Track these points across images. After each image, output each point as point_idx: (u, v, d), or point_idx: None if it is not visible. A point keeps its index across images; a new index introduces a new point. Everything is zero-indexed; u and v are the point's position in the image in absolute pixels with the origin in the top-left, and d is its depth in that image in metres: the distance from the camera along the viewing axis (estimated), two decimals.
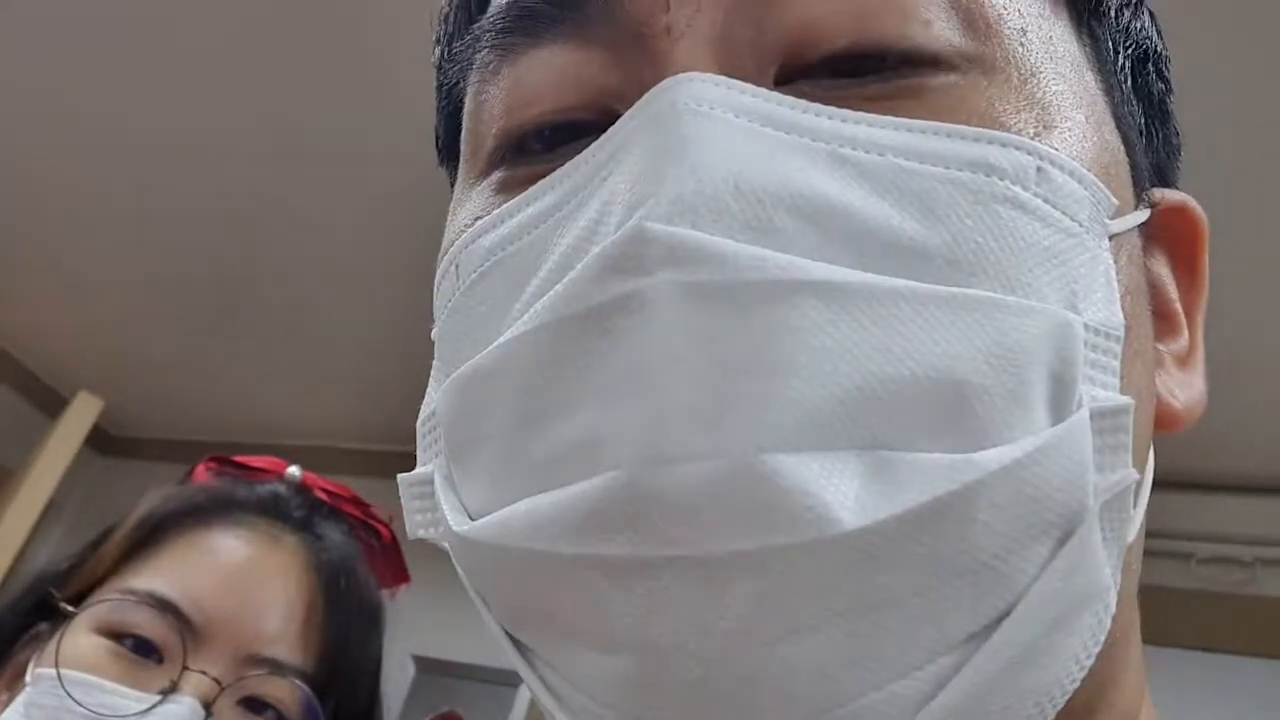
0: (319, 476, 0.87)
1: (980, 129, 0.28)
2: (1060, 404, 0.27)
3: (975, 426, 0.25)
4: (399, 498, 0.34)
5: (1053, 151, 0.29)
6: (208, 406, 3.04)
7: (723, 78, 0.28)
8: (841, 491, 0.24)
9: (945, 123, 0.28)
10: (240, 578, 0.73)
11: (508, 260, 0.31)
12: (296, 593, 0.75)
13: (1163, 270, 0.36)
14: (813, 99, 0.29)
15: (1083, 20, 0.35)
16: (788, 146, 0.27)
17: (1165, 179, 0.37)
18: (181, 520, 0.76)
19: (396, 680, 2.22)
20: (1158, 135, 0.37)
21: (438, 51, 0.40)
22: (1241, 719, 1.82)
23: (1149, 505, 0.31)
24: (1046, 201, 0.28)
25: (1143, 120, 0.36)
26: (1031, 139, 0.29)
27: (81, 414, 2.59)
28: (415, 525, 0.33)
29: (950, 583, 0.25)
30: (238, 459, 0.87)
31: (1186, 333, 0.35)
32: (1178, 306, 0.35)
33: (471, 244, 0.32)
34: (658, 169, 0.27)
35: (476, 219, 0.33)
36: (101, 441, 3.30)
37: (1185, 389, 0.34)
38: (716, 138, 0.27)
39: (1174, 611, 1.94)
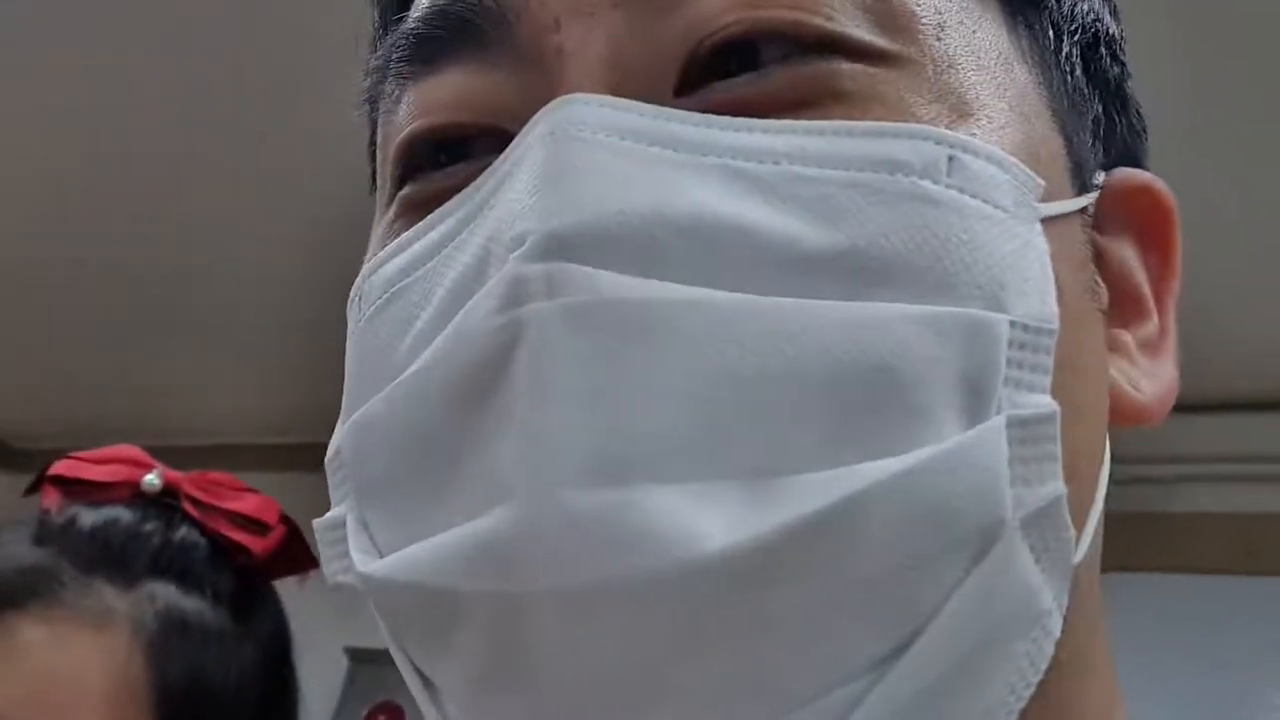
0: (195, 477, 0.75)
1: (884, 123, 0.27)
2: (975, 411, 0.25)
3: (866, 441, 0.24)
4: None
5: (967, 139, 0.28)
6: (109, 412, 2.92)
7: (609, 98, 0.28)
8: (713, 515, 0.24)
9: (848, 120, 0.27)
10: (54, 691, 0.65)
11: (403, 292, 0.30)
12: (120, 689, 0.66)
13: (1128, 254, 0.33)
14: (712, 104, 0.28)
15: (1016, 12, 0.33)
16: (676, 165, 0.27)
17: (1135, 164, 0.36)
18: None
19: (329, 674, 2.17)
20: (1119, 120, 0.35)
21: (363, 91, 0.39)
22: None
23: None
24: (962, 191, 0.27)
25: (1100, 107, 0.34)
26: (945, 129, 0.28)
27: None
28: (333, 572, 0.32)
29: (842, 603, 0.24)
30: (85, 472, 0.75)
31: (1156, 317, 0.33)
32: (1146, 290, 0.33)
33: (373, 274, 0.32)
34: (536, 202, 0.26)
35: (382, 247, 0.33)
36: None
37: (1152, 379, 0.32)
38: (598, 165, 0.26)
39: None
